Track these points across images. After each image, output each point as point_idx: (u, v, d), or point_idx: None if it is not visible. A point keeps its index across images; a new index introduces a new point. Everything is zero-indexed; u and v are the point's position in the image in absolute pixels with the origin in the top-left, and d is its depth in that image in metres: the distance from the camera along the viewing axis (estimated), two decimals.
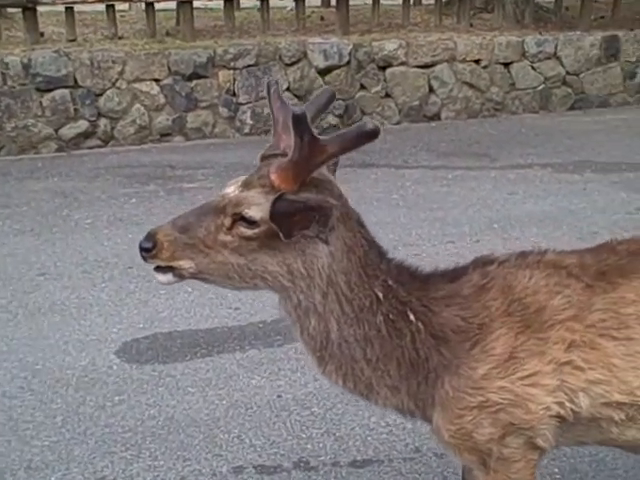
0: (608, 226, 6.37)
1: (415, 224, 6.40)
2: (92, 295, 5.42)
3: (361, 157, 8.56)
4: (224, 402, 4.10)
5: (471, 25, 11.86)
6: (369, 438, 3.76)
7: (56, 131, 9.52)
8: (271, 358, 4.53)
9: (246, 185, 2.27)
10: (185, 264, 2.26)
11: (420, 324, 2.38)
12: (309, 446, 3.72)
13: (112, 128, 9.70)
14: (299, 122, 2.12)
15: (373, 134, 2.14)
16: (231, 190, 2.28)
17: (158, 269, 2.30)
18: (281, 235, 2.19)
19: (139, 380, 4.33)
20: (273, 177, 2.23)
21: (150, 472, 3.56)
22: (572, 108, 11.23)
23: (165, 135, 9.89)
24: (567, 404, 2.32)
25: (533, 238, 6.18)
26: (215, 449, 3.71)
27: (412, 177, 7.80)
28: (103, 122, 9.64)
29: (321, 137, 2.17)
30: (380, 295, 2.34)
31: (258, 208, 2.21)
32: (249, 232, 2.22)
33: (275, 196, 2.17)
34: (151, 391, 4.22)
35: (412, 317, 2.37)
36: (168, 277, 2.30)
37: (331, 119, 10.32)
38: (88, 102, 9.55)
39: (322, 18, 12.31)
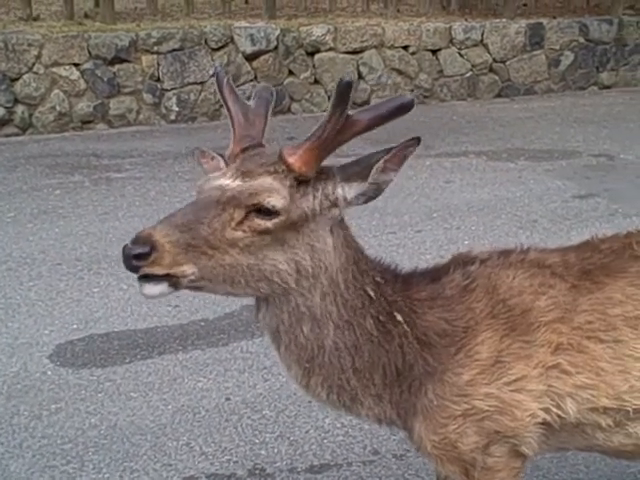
0: (547, 214, 6.40)
1: (354, 214, 6.15)
2: (19, 294, 5.09)
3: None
4: (169, 407, 3.89)
5: (398, 11, 11.80)
6: (325, 441, 3.62)
7: None
8: (216, 358, 4.33)
9: (247, 174, 2.03)
10: (188, 269, 1.94)
11: (406, 326, 2.24)
12: (263, 452, 3.55)
13: (30, 115, 9.23)
14: (346, 92, 1.93)
15: (410, 106, 2.00)
16: (229, 181, 2.02)
17: (147, 278, 1.93)
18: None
19: (77, 386, 4.07)
20: (292, 159, 2.02)
21: None
22: (499, 95, 11.30)
23: (87, 122, 9.47)
24: (553, 410, 2.24)
25: (474, 227, 6.15)
26: (164, 458, 3.51)
27: None
28: (20, 109, 9.16)
29: (351, 113, 1.99)
30: (372, 293, 2.19)
31: (279, 195, 2.00)
32: (268, 224, 1.99)
33: (295, 186, 2.03)
34: (90, 397, 3.97)
35: (399, 317, 2.24)
36: (161, 288, 1.94)
37: None
38: (3, 87, 9.06)
39: (247, 1, 12.03)
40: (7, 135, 9.05)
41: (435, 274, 2.37)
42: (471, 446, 2.24)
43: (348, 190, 2.09)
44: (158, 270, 1.91)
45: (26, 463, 3.47)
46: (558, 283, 2.28)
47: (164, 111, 9.77)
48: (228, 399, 3.95)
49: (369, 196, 2.10)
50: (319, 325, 2.15)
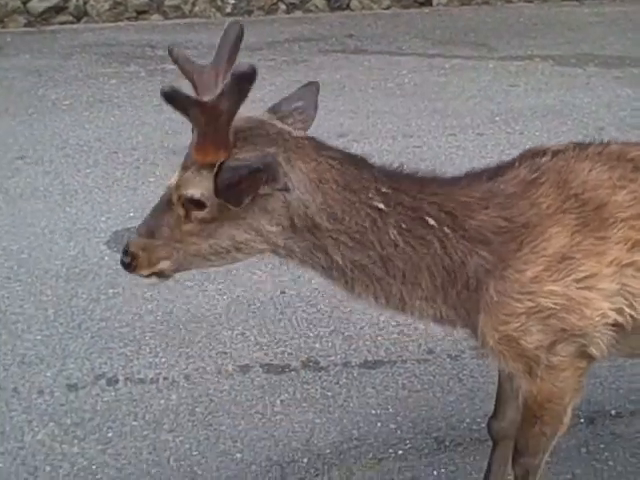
0: (615, 122, 6.15)
1: (414, 114, 6.12)
2: (77, 181, 5.11)
3: (353, 42, 8.17)
4: (225, 297, 3.91)
5: None
6: (379, 338, 3.61)
7: (24, 4, 8.90)
8: None
9: (184, 168, 2.14)
10: (164, 265, 2.21)
11: (446, 229, 2.16)
12: (317, 345, 3.56)
13: (85, 3, 9.10)
14: (172, 100, 1.96)
15: (249, 76, 1.94)
16: (174, 178, 2.15)
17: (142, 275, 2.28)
18: (230, 206, 2.06)
19: None
20: (195, 156, 2.08)
21: (152, 369, 3.38)
22: None
23: (142, 13, 9.31)
24: (627, 310, 2.15)
25: (537, 132, 5.95)
26: (219, 346, 3.54)
27: (407, 65, 7.44)
28: None
29: (207, 99, 2.00)
30: (382, 206, 2.14)
31: (195, 188, 2.09)
32: (202, 213, 2.12)
33: (209, 170, 2.05)
34: (147, 284, 3.99)
35: (432, 222, 2.16)
36: (152, 280, 2.29)
37: (317, 1, 9.79)
38: None
39: None
40: (62, 23, 8.96)
41: (498, 171, 2.27)
42: (535, 344, 2.17)
43: None
44: (142, 272, 2.25)
45: (85, 343, 3.53)
46: None
47: (220, 3, 9.54)
48: (283, 292, 3.95)
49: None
50: (327, 254, 2.17)
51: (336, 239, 2.14)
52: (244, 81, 1.95)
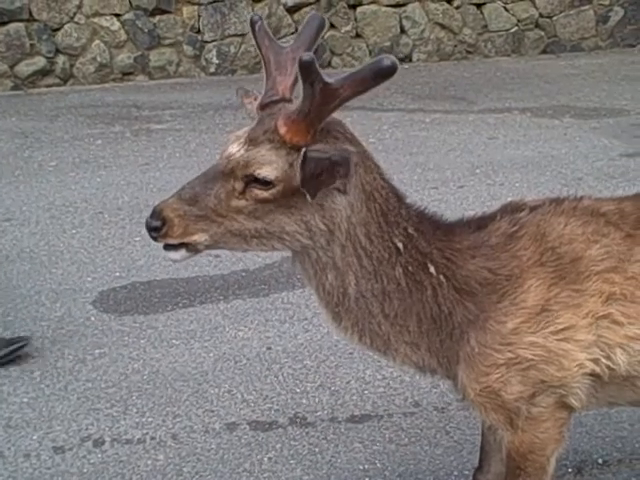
0: (592, 172, 6.27)
1: (396, 169, 6.19)
2: (62, 242, 5.15)
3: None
4: (211, 355, 3.91)
5: None
6: (366, 392, 3.61)
7: (11, 68, 9.04)
8: (257, 308, 4.34)
9: (252, 141, 2.07)
10: (199, 238, 2.10)
11: (442, 277, 2.22)
12: (304, 401, 3.56)
13: (71, 66, 9.26)
14: (308, 69, 1.90)
15: (390, 71, 1.93)
16: (235, 149, 2.08)
17: (168, 247, 2.13)
18: (308, 197, 2.02)
19: (119, 332, 4.11)
20: (283, 131, 2.03)
21: (139, 429, 3.37)
22: (544, 52, 11.02)
23: (127, 74, 9.48)
24: (603, 361, 2.19)
25: (517, 184, 6.06)
26: (206, 404, 3.54)
27: (389, 120, 7.59)
28: (61, 59, 9.20)
29: (332, 80, 1.96)
30: (400, 246, 2.18)
31: (271, 167, 2.04)
32: (265, 194, 2.05)
33: (293, 153, 2.01)
34: (133, 343, 4.01)
35: (432, 270, 2.22)
36: (181, 253, 2.14)
37: None
38: (45, 37, 9.09)
39: None
40: (48, 85, 9.10)
41: (481, 222, 2.33)
42: (515, 395, 2.21)
43: None
44: (171, 241, 2.10)
45: (71, 405, 3.52)
46: (612, 232, 2.23)
47: (204, 63, 9.73)
48: (269, 348, 3.96)
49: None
50: (341, 274, 2.17)
51: (360, 260, 2.16)
52: (381, 76, 1.95)
